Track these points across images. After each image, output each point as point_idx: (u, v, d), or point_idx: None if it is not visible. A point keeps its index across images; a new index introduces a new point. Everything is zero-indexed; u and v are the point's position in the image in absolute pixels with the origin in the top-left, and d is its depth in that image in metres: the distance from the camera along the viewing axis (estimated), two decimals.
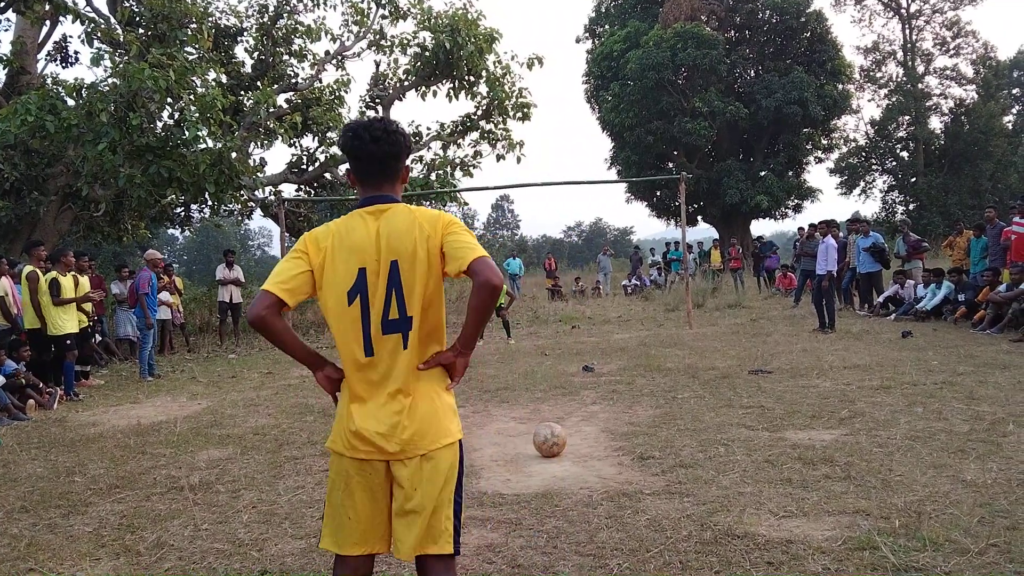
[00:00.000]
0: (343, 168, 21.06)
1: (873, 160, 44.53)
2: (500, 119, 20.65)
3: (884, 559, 3.81)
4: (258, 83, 19.05)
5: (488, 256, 2.70)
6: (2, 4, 15.55)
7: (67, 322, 10.77)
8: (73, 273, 11.19)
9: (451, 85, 20.04)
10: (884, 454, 5.66)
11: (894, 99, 42.55)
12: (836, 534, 4.17)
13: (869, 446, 5.90)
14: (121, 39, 14.73)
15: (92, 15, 15.22)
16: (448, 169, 20.73)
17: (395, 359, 2.74)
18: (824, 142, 41.86)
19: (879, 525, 4.25)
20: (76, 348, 10.95)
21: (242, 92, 19.06)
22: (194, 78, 14.10)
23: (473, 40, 18.88)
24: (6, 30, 16.64)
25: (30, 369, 10.13)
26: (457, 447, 2.82)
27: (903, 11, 43.31)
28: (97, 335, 14.07)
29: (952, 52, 43.05)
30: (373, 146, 2.79)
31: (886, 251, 16.81)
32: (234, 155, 14.48)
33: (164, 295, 14.87)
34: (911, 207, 41.33)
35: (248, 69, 19.86)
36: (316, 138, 20.49)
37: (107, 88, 13.62)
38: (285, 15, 19.89)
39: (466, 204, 24.98)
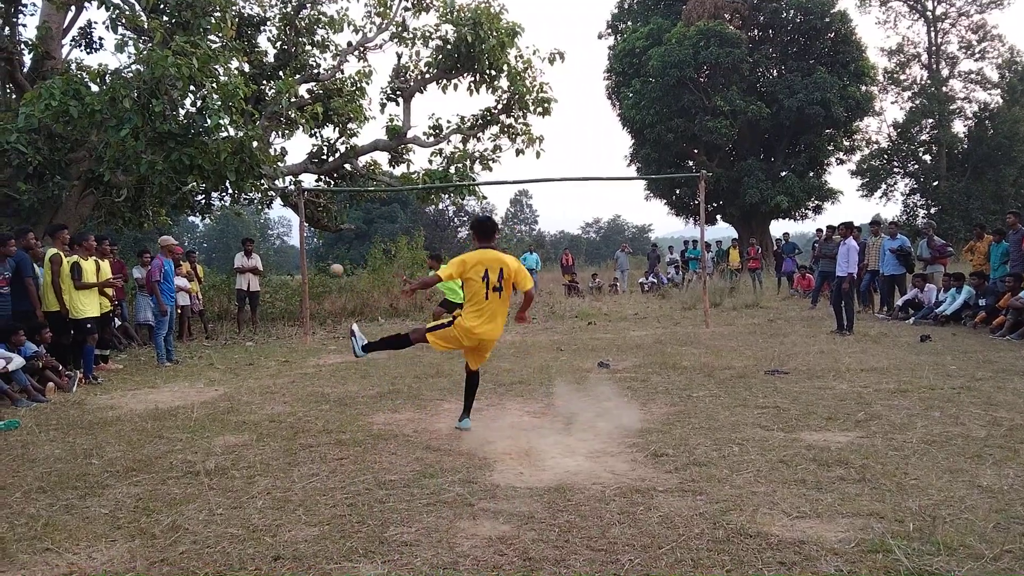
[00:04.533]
0: (363, 159, 21.13)
1: (895, 163, 44.22)
2: (520, 113, 20.64)
3: (897, 562, 3.80)
4: (280, 73, 19.11)
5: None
6: None
7: (88, 306, 10.87)
8: (94, 257, 11.29)
9: (472, 79, 20.04)
10: (900, 457, 5.63)
11: (918, 102, 42.22)
12: (849, 536, 4.16)
13: (885, 449, 5.87)
14: (145, 26, 14.78)
15: (117, 1, 15.28)
16: (467, 163, 20.74)
17: (495, 305, 6.73)
18: (846, 143, 41.55)
19: (893, 528, 4.23)
20: (96, 332, 11.04)
21: (264, 81, 19.12)
22: (217, 66, 14.14)
23: (495, 34, 18.87)
24: (32, 15, 16.70)
25: (50, 352, 10.22)
26: None
27: (928, 13, 42.96)
28: (117, 320, 14.17)
29: (977, 56, 42.66)
30: (492, 226, 7.02)
31: (911, 255, 16.74)
32: (255, 144, 14.52)
33: (181, 281, 14.94)
34: (933, 211, 41.08)
35: (270, 58, 19.91)
36: (337, 129, 20.53)
37: (130, 75, 13.70)
38: (308, 5, 19.92)
39: (484, 198, 25.03)
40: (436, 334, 6.87)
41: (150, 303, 13.78)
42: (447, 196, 23.26)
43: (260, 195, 19.82)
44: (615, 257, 32.48)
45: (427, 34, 20.18)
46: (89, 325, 10.81)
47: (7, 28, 15.94)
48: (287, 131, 19.55)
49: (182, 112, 14.00)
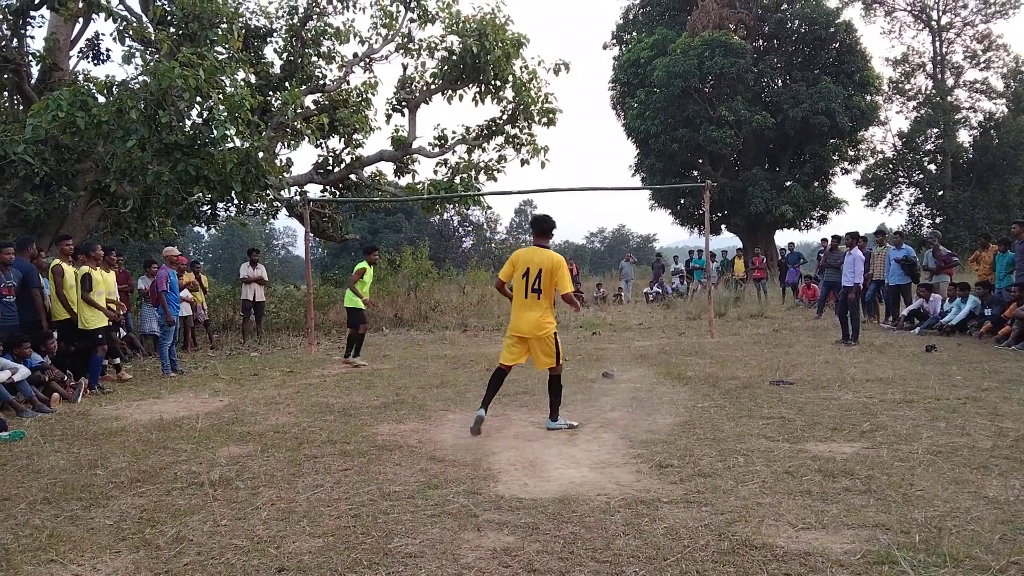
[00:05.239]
0: (368, 170, 21.17)
1: (900, 172, 44.18)
2: (525, 124, 20.69)
3: (903, 574, 3.79)
4: (286, 84, 19.17)
5: (571, 291, 7.45)
6: (37, 1, 15.73)
7: (96, 316, 10.90)
8: (100, 268, 11.32)
9: (477, 89, 20.10)
10: (905, 468, 5.61)
11: (923, 111, 42.20)
12: (855, 547, 4.14)
13: (890, 460, 5.85)
14: (152, 38, 14.86)
15: (124, 13, 15.36)
16: (472, 173, 20.78)
17: (532, 303, 7.29)
18: (851, 153, 41.53)
19: (899, 540, 4.22)
20: (106, 342, 11.07)
21: (270, 92, 19.19)
22: (223, 78, 14.19)
23: (500, 45, 18.92)
24: (40, 27, 16.78)
25: (55, 363, 10.24)
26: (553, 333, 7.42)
27: (934, 23, 42.99)
28: (122, 330, 14.19)
29: (982, 65, 42.67)
30: (544, 224, 7.49)
31: (917, 265, 16.70)
32: (261, 155, 14.56)
33: (183, 292, 14.96)
34: (938, 220, 41.01)
35: (277, 70, 19.98)
36: (342, 140, 20.59)
37: (137, 86, 13.75)
38: (315, 17, 20.00)
39: (489, 208, 25.14)
40: (502, 352, 7.64)
41: (155, 313, 13.83)
42: (452, 206, 23.30)
43: (266, 205, 19.87)
44: (619, 267, 32.44)
45: (433, 45, 20.26)
46: (100, 336, 10.85)
47: (15, 39, 16.02)
48: (293, 142, 19.61)
49: (188, 123, 14.06)
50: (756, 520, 4.62)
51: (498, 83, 19.87)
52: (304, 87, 19.19)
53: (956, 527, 4.40)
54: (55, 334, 10.53)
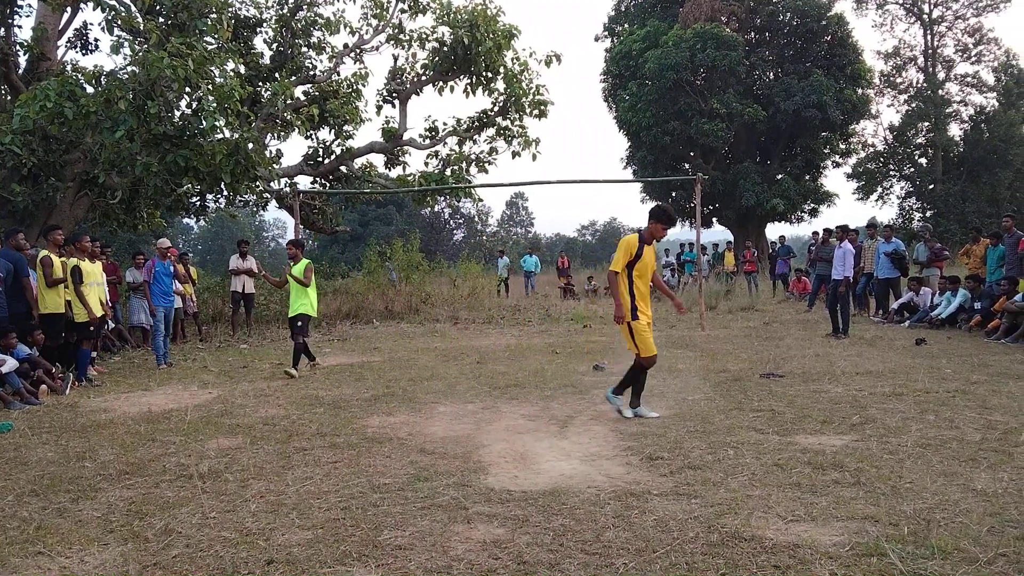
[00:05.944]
0: (358, 161, 21.11)
1: (891, 166, 44.29)
2: (516, 116, 20.62)
3: (892, 566, 3.79)
4: (276, 74, 19.07)
5: (611, 270, 7.81)
6: None
7: (91, 308, 10.84)
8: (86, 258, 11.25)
9: (468, 81, 20.04)
10: (894, 461, 5.62)
11: (914, 105, 42.30)
12: (844, 539, 4.15)
13: (879, 452, 5.86)
14: (141, 27, 14.75)
15: (113, 3, 15.22)
16: (463, 165, 20.73)
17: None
18: (842, 146, 41.60)
19: (888, 532, 4.23)
20: (97, 336, 11.01)
21: (260, 83, 19.09)
22: (213, 68, 14.11)
23: (492, 36, 18.86)
24: (28, 16, 16.65)
25: (42, 354, 10.18)
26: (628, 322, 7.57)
27: (925, 17, 43.06)
28: (110, 322, 14.12)
29: (973, 59, 42.79)
30: (652, 211, 7.76)
31: (906, 258, 16.74)
32: (251, 146, 14.49)
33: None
34: (928, 214, 41.15)
35: (266, 60, 19.88)
36: (332, 131, 20.50)
37: (126, 76, 13.66)
38: (305, 7, 19.90)
39: (480, 200, 25.11)
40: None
41: (143, 306, 13.77)
42: (443, 198, 23.26)
43: (255, 197, 19.78)
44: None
45: (424, 36, 20.18)
46: (92, 328, 10.79)
47: (2, 29, 15.91)
48: (283, 133, 19.53)
49: (178, 114, 13.98)
50: (745, 512, 4.62)
51: (489, 75, 19.82)
52: (294, 78, 19.11)
53: (945, 519, 4.40)
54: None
